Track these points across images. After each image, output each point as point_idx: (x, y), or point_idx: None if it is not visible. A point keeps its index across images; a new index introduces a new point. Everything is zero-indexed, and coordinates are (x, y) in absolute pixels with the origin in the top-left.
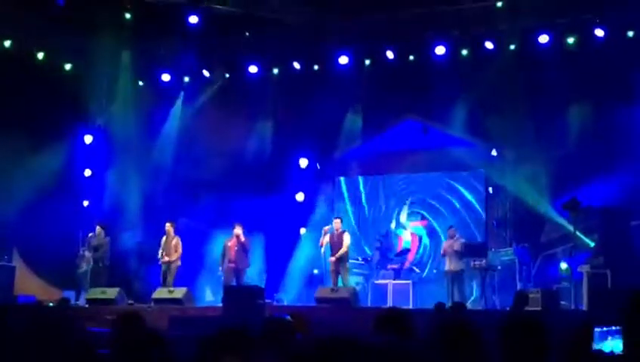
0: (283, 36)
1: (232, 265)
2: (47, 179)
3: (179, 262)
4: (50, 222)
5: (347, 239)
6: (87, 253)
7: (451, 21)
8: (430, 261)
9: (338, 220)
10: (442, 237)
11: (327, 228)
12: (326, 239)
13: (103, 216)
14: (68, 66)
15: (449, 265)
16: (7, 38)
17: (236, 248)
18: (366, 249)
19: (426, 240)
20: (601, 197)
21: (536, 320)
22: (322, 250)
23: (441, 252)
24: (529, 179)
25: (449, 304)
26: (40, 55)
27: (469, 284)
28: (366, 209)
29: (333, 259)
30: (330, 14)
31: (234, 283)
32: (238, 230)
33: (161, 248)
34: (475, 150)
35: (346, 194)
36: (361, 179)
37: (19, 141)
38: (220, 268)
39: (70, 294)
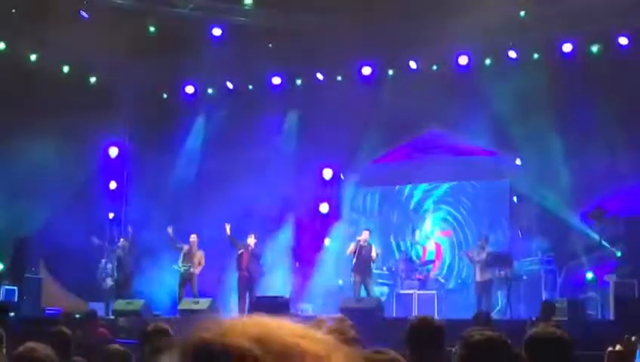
0: (305, 47)
1: (246, 273)
2: (72, 192)
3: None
4: (76, 233)
5: (374, 251)
6: (108, 265)
7: (474, 30)
8: (455, 271)
9: (366, 232)
10: (467, 247)
11: (359, 238)
12: (351, 248)
13: (127, 228)
14: (93, 79)
15: (480, 275)
16: (32, 52)
17: (249, 257)
18: (391, 258)
19: (450, 251)
20: (627, 207)
21: (562, 334)
22: (354, 260)
23: (465, 254)
24: (554, 188)
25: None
26: (65, 68)
27: (495, 294)
28: (390, 219)
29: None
30: (352, 25)
31: (247, 292)
32: (250, 239)
33: (182, 258)
34: (499, 159)
35: (370, 205)
36: (385, 189)
37: (44, 153)
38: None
39: (96, 306)
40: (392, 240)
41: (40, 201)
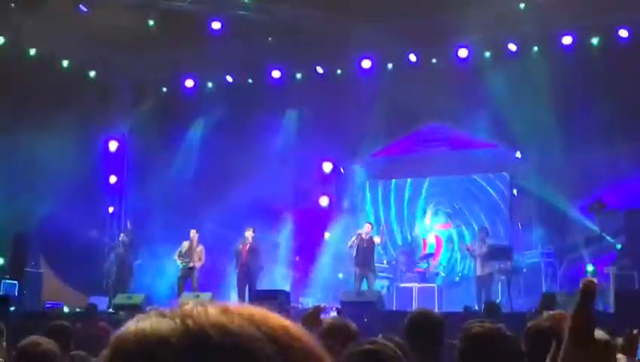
0: (306, 41)
1: (244, 268)
2: (72, 186)
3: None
4: (76, 228)
5: (376, 239)
6: (110, 259)
7: (474, 23)
8: (456, 264)
9: (368, 225)
10: (467, 240)
11: (360, 231)
12: (352, 241)
13: (127, 222)
14: (92, 73)
15: (480, 269)
16: (32, 47)
17: (247, 251)
18: (391, 252)
19: (450, 244)
20: (626, 199)
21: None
22: (354, 252)
23: (466, 247)
24: (554, 181)
25: (476, 307)
26: (65, 63)
27: (495, 287)
28: (390, 212)
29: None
30: (352, 19)
31: (246, 286)
32: (248, 233)
33: (180, 253)
34: (499, 152)
35: (370, 198)
36: (385, 182)
37: (44, 148)
38: (236, 271)
39: (96, 299)
40: (392, 233)
41: (40, 196)
